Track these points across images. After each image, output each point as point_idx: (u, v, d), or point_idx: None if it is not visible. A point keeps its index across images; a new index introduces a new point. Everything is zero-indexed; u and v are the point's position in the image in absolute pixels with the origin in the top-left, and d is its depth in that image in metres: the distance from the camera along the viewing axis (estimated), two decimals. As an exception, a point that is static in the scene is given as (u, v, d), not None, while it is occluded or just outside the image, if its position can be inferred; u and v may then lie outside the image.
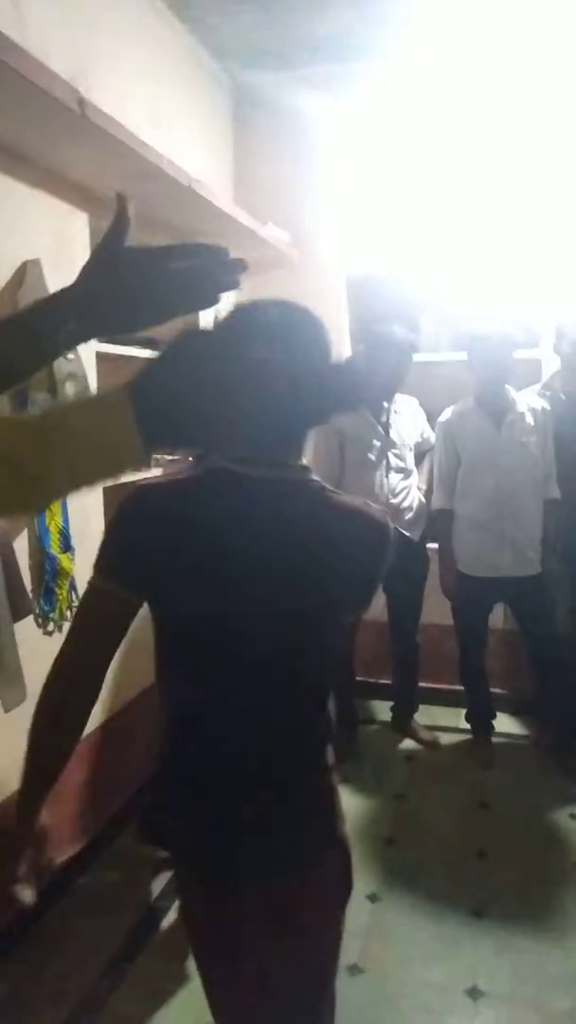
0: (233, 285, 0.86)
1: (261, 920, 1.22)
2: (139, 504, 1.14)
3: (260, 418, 1.00)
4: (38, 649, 2.20)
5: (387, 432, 3.10)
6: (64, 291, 0.86)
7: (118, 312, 0.87)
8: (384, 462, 3.09)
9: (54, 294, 0.86)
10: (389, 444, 3.10)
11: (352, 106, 3.47)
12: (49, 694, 1.15)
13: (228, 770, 1.15)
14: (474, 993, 1.96)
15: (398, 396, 3.18)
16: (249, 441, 1.09)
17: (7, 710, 2.00)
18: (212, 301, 0.88)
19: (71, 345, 0.90)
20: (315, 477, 1.17)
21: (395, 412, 3.14)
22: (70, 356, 2.17)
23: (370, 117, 3.45)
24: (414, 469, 3.21)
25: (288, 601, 1.10)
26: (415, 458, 3.23)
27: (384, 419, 3.11)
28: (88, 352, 2.39)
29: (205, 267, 0.86)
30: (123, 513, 1.15)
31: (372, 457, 3.07)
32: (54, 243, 2.26)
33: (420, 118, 3.36)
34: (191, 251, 0.86)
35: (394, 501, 3.08)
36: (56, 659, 1.16)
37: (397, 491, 3.10)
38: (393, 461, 3.11)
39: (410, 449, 3.19)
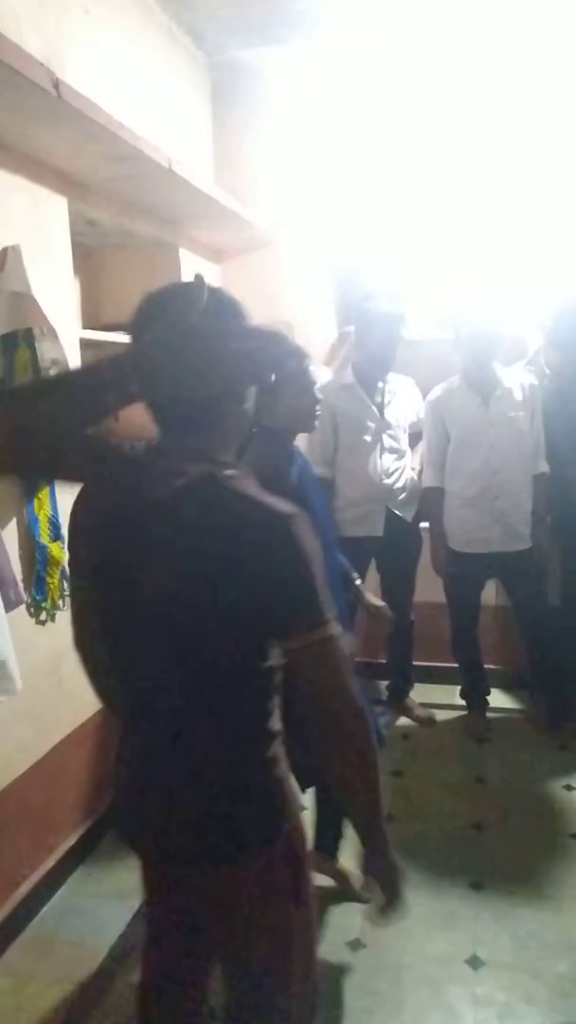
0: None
1: (204, 911, 1.23)
2: (81, 497, 1.20)
3: (157, 410, 1.12)
4: (31, 639, 2.20)
5: (382, 413, 3.10)
6: (130, 355, 1.01)
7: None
8: (379, 444, 3.09)
9: (120, 357, 1.01)
10: (384, 425, 3.09)
11: (336, 82, 3.42)
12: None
13: (156, 764, 1.17)
14: (474, 962, 1.99)
15: (395, 377, 3.17)
16: (162, 431, 1.14)
17: None
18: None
19: (126, 404, 1.04)
20: (232, 472, 1.10)
21: (391, 392, 3.14)
22: (52, 341, 2.14)
23: (355, 93, 3.40)
24: (408, 450, 3.21)
25: (187, 599, 1.07)
26: (411, 439, 3.22)
27: (379, 399, 3.10)
28: (72, 337, 2.37)
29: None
30: (73, 506, 1.22)
31: (368, 439, 3.07)
32: (33, 228, 2.23)
33: (405, 92, 3.33)
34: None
35: (387, 481, 3.08)
36: None
37: (390, 472, 3.10)
38: (387, 442, 3.10)
39: (405, 431, 3.18)
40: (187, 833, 1.16)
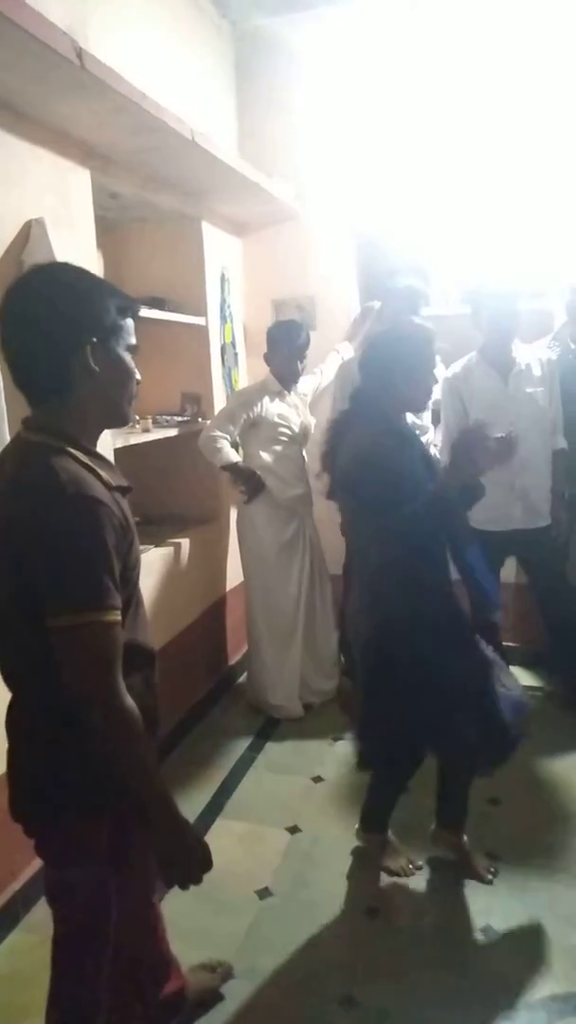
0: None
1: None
2: None
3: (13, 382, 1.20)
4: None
5: None
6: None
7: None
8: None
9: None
10: None
11: (361, 51, 3.36)
12: None
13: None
14: (488, 932, 2.02)
15: None
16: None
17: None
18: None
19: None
20: (61, 444, 1.16)
21: None
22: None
23: (380, 62, 3.35)
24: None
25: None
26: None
27: None
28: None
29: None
30: None
31: None
32: (57, 201, 2.24)
33: (431, 62, 3.26)
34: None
35: (406, 457, 3.08)
36: None
37: (410, 447, 3.09)
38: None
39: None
40: (16, 793, 1.28)
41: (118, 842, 1.31)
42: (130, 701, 1.15)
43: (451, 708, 1.88)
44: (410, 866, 2.27)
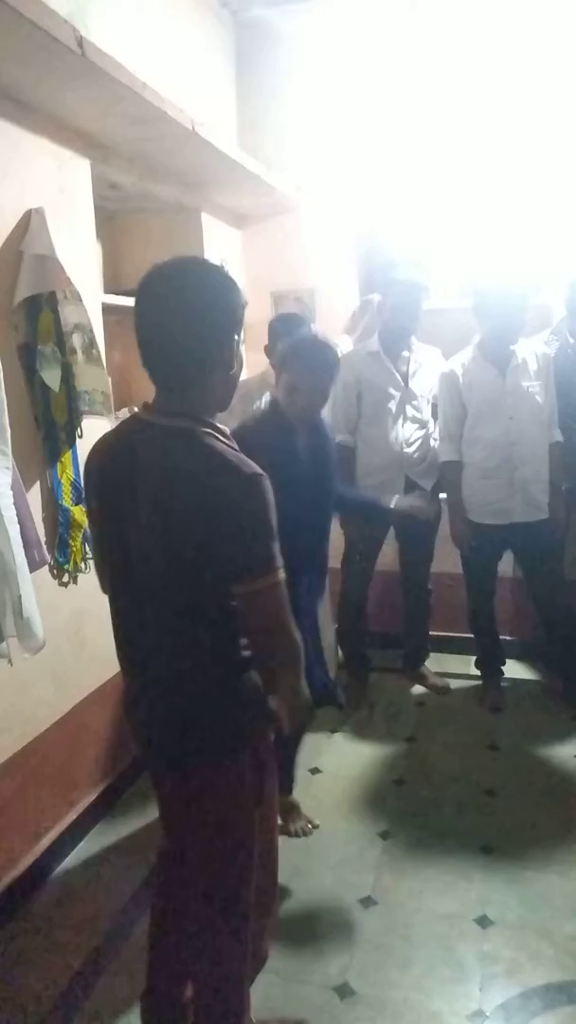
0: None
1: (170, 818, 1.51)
2: (89, 454, 1.39)
3: (150, 372, 1.28)
4: (54, 600, 2.24)
5: (407, 382, 3.08)
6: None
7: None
8: (402, 413, 3.08)
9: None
10: (409, 395, 3.08)
11: (361, 42, 3.35)
12: None
13: (140, 690, 1.42)
14: (483, 922, 2.04)
15: (422, 347, 3.16)
16: (157, 391, 1.31)
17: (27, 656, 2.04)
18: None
19: None
20: (206, 428, 1.26)
21: (417, 363, 3.12)
22: (76, 305, 2.16)
23: (380, 53, 3.33)
24: (431, 420, 3.20)
25: (158, 540, 1.25)
26: (432, 409, 3.21)
27: (404, 368, 3.09)
28: (94, 301, 2.37)
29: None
30: (86, 463, 1.41)
31: (391, 407, 3.06)
32: (57, 191, 2.23)
33: (432, 53, 3.25)
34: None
35: (407, 451, 3.08)
36: None
37: (411, 441, 3.10)
38: (410, 412, 3.09)
39: (428, 401, 3.17)
40: (164, 741, 1.38)
41: (256, 779, 1.44)
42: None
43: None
44: (308, 826, 2.42)
